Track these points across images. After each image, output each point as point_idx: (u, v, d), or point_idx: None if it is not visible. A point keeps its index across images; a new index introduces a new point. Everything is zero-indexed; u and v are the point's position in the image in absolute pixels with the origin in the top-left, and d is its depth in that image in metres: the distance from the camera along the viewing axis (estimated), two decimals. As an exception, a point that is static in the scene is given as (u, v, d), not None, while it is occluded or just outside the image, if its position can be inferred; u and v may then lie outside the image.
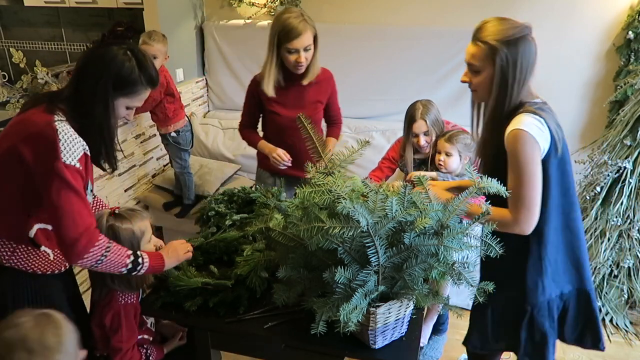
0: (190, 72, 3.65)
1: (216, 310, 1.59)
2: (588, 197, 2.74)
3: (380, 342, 1.45)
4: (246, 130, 2.52)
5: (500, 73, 1.45)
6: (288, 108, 2.32)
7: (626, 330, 2.70)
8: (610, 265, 2.71)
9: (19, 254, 1.44)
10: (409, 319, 1.51)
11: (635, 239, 2.64)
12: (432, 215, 1.31)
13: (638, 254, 2.65)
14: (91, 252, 1.34)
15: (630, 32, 2.88)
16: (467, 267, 1.36)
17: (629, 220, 2.64)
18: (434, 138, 2.28)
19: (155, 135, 3.25)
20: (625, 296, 2.74)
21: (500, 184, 1.34)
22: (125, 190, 3.09)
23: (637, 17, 2.86)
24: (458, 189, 1.54)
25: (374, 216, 1.25)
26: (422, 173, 2.07)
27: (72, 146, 1.34)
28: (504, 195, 1.35)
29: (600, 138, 2.85)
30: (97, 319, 1.57)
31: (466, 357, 1.89)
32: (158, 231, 3.34)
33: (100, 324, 1.56)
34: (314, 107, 2.37)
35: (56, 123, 1.35)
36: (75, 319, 1.56)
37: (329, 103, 2.45)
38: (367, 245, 1.26)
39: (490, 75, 1.48)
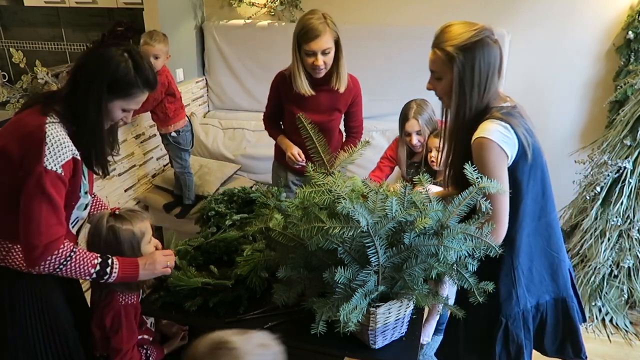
0: (190, 72, 3.65)
1: (216, 310, 1.59)
2: (588, 197, 2.74)
3: (380, 342, 1.46)
4: (269, 121, 2.49)
5: (457, 79, 1.41)
6: (303, 110, 2.28)
7: (626, 330, 2.70)
8: (610, 265, 2.71)
9: (15, 253, 1.44)
10: (409, 319, 1.51)
11: (635, 239, 2.64)
12: (432, 216, 1.31)
13: (638, 254, 2.65)
14: (48, 260, 1.34)
15: (630, 32, 2.88)
16: (467, 267, 1.36)
17: (629, 220, 2.64)
18: (427, 138, 2.30)
19: (155, 135, 3.25)
20: (625, 296, 2.74)
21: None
22: (125, 190, 3.09)
23: (637, 17, 2.87)
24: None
25: (374, 216, 1.25)
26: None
27: (57, 151, 1.33)
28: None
29: (600, 138, 2.85)
30: (97, 320, 1.57)
31: None
32: (158, 231, 3.34)
33: (101, 325, 1.56)
34: (330, 114, 2.32)
35: (47, 126, 1.34)
36: (75, 320, 1.58)
37: (350, 112, 2.39)
38: (367, 245, 1.27)
39: (450, 81, 1.44)
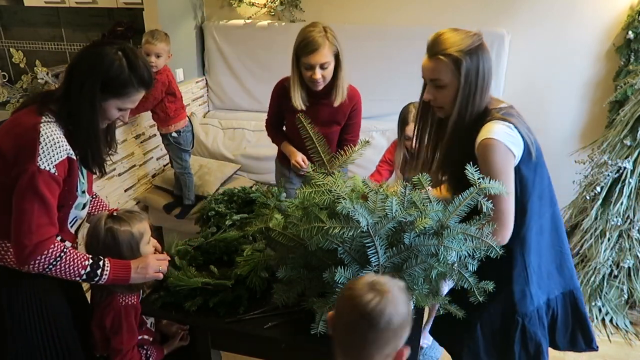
0: (190, 72, 3.65)
1: (216, 310, 1.59)
2: (588, 197, 2.74)
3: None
4: (272, 128, 2.49)
5: (465, 84, 1.41)
6: (297, 134, 2.29)
7: (626, 330, 2.70)
8: (610, 265, 2.71)
9: (13, 253, 1.44)
10: (409, 319, 1.51)
11: (635, 239, 2.64)
12: (432, 216, 1.31)
13: (638, 254, 2.65)
14: (38, 260, 1.34)
15: (630, 32, 2.88)
16: (467, 267, 1.36)
17: (629, 220, 2.64)
18: None
19: (155, 135, 3.25)
20: (625, 296, 2.74)
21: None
22: (125, 190, 3.09)
23: (637, 17, 2.86)
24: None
25: (374, 216, 1.25)
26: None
27: (51, 150, 1.33)
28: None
29: (600, 138, 2.85)
30: (97, 320, 1.57)
31: None
32: (158, 231, 3.34)
33: (101, 325, 1.55)
34: (328, 127, 2.32)
35: (42, 125, 1.34)
36: (75, 320, 1.58)
37: (347, 124, 2.36)
38: (367, 245, 1.27)
39: (455, 87, 1.43)
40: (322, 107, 2.26)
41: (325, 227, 1.24)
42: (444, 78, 1.43)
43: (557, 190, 1.62)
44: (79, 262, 1.41)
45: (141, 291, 1.65)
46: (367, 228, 1.23)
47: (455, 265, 1.36)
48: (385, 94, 3.43)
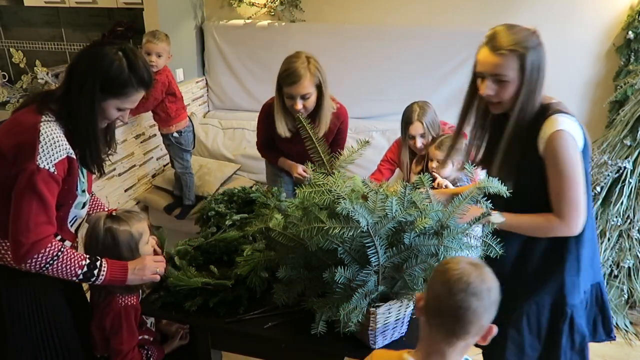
0: (190, 72, 3.65)
1: (216, 310, 1.59)
2: (588, 197, 2.74)
3: (380, 342, 1.45)
4: (264, 148, 2.51)
5: (529, 79, 1.42)
6: (288, 142, 2.31)
7: (626, 330, 2.70)
8: (610, 265, 2.71)
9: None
10: (409, 319, 1.51)
11: (635, 239, 2.64)
12: (432, 215, 1.31)
13: (638, 254, 2.65)
14: (35, 258, 1.34)
15: (630, 32, 2.88)
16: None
17: (629, 220, 2.64)
18: (430, 140, 2.29)
19: (155, 135, 3.25)
20: (625, 296, 2.74)
21: (535, 194, 1.36)
22: (125, 190, 3.09)
23: (637, 17, 2.87)
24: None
25: (374, 216, 1.25)
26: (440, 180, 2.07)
27: (51, 149, 1.33)
28: (505, 195, 1.35)
29: (600, 138, 2.85)
30: (97, 321, 1.57)
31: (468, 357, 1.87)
32: (158, 231, 3.34)
33: (100, 326, 1.55)
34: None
35: (42, 124, 1.34)
36: (75, 320, 1.58)
37: (333, 140, 2.34)
38: (367, 245, 1.26)
39: (518, 83, 1.44)
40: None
41: (325, 227, 1.24)
42: (509, 73, 1.43)
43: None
44: (76, 261, 1.41)
45: (141, 291, 1.65)
46: (367, 228, 1.23)
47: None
48: (385, 94, 3.43)
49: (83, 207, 1.57)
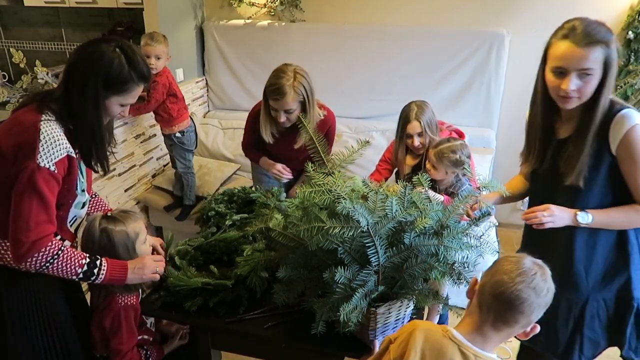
0: (190, 72, 3.65)
1: (216, 310, 1.59)
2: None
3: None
4: (249, 148, 2.57)
5: (611, 73, 1.42)
6: (275, 145, 2.36)
7: (626, 330, 2.70)
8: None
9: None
10: (409, 319, 1.51)
11: (636, 239, 2.64)
12: (432, 215, 1.31)
13: (638, 254, 2.64)
14: (35, 257, 1.34)
15: (630, 32, 2.88)
16: (467, 267, 1.36)
17: (629, 220, 2.63)
18: (427, 139, 2.28)
19: (155, 135, 3.25)
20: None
21: (604, 192, 1.40)
22: (125, 190, 3.09)
23: (637, 17, 2.86)
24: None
25: (374, 216, 1.25)
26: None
27: (51, 148, 1.33)
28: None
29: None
30: (96, 321, 1.57)
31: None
32: (158, 231, 3.34)
33: (100, 326, 1.55)
34: (303, 152, 2.28)
35: (42, 123, 1.34)
36: (75, 320, 1.58)
37: None
38: (367, 245, 1.26)
39: (599, 77, 1.41)
40: (293, 135, 2.30)
41: (325, 227, 1.24)
42: (596, 67, 1.41)
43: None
44: (76, 260, 1.41)
45: (140, 291, 1.65)
46: (367, 228, 1.23)
47: (456, 264, 1.36)
48: (385, 94, 3.43)
49: (83, 207, 1.57)
